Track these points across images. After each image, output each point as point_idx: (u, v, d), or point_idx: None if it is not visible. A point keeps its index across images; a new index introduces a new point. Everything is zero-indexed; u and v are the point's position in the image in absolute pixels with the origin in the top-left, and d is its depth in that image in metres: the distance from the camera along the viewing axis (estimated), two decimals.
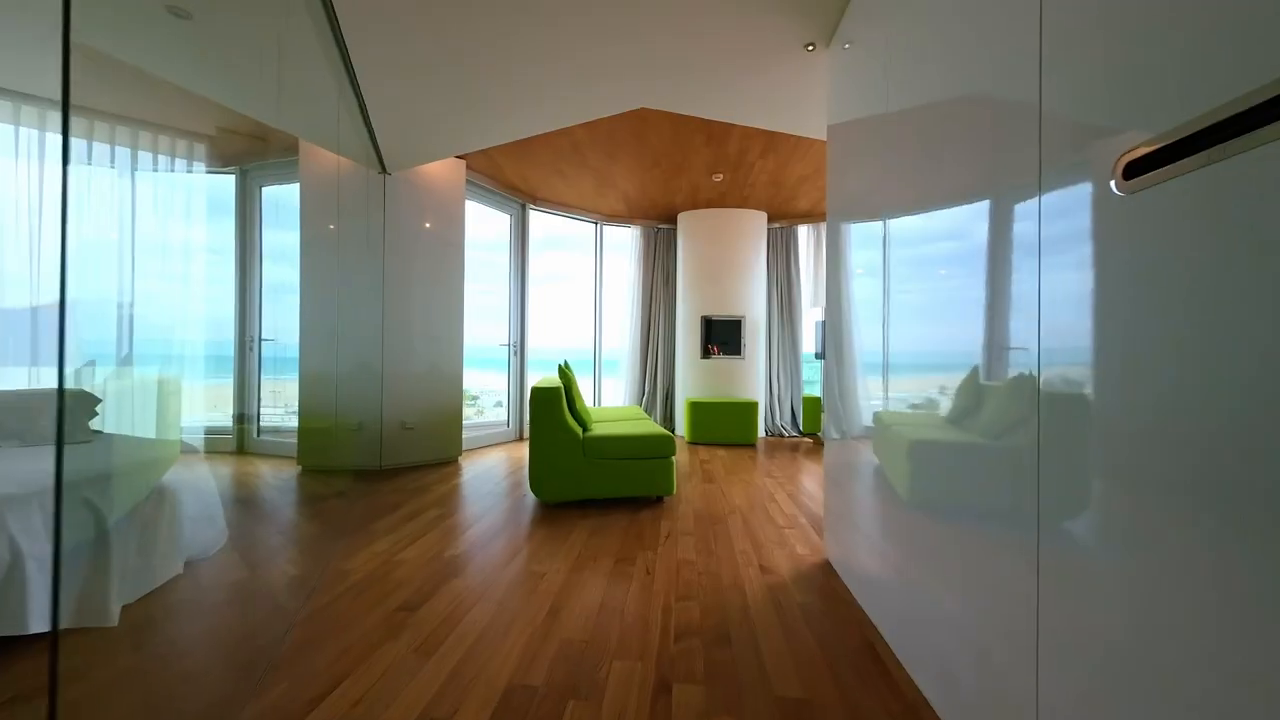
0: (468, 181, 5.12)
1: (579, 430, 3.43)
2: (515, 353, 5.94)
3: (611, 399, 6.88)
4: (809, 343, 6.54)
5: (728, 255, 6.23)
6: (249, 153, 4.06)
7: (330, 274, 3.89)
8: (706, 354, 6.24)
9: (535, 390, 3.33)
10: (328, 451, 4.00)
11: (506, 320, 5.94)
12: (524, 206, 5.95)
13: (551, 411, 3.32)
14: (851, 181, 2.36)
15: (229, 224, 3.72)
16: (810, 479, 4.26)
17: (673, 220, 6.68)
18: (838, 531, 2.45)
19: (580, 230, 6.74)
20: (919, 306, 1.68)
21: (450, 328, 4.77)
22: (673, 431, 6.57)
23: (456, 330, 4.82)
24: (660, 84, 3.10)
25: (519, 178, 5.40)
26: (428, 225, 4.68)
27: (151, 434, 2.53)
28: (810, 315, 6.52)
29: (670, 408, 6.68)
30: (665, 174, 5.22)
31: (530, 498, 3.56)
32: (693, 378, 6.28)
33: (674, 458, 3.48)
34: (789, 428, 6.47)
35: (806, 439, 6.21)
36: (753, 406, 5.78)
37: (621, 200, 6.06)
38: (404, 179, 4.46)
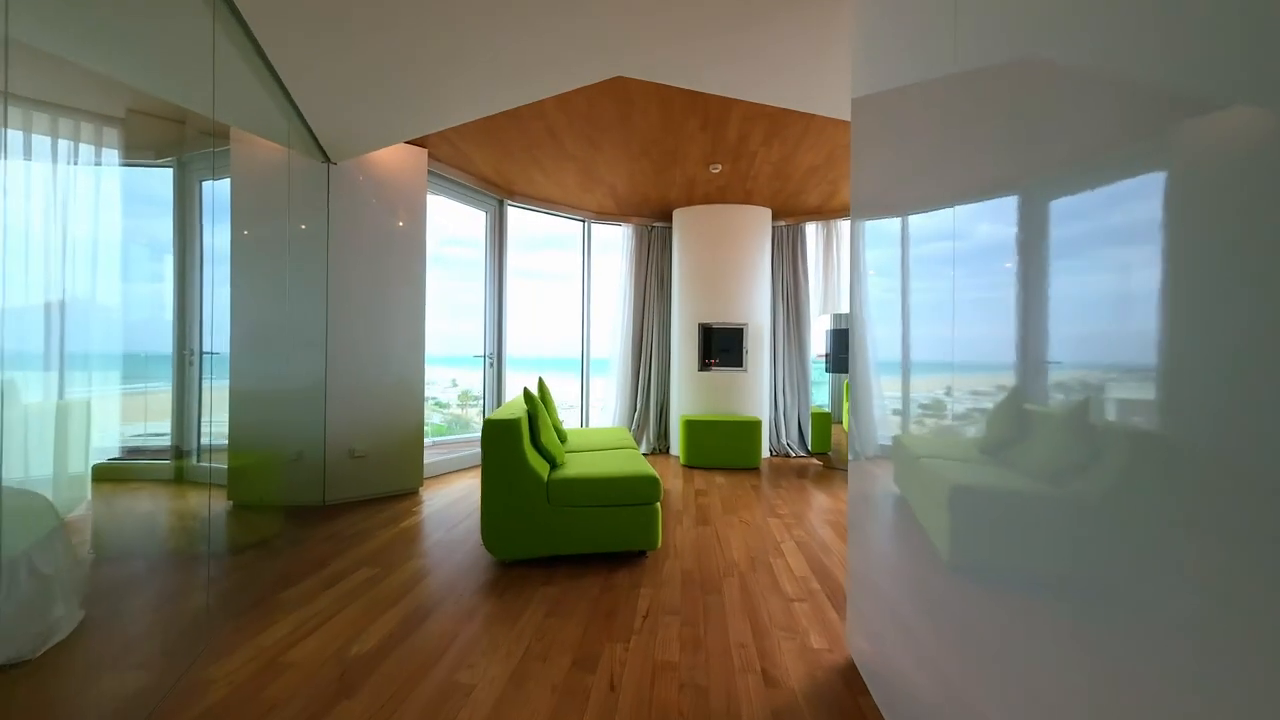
0: (434, 174, 4.53)
1: (543, 470, 2.83)
2: (492, 364, 5.35)
3: (600, 411, 6.28)
4: (819, 350, 5.92)
5: (728, 256, 5.62)
6: (177, 141, 3.50)
7: (265, 277, 3.31)
8: (705, 365, 5.63)
9: (489, 424, 2.73)
10: (260, 485, 3.43)
11: (482, 330, 5.35)
12: (501, 203, 5.36)
13: (508, 448, 2.72)
14: (888, 166, 1.76)
15: (164, 221, 3.17)
16: (823, 518, 3.64)
17: (667, 217, 6.08)
18: (864, 610, 1.85)
19: (568, 228, 6.15)
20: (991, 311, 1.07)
21: (409, 337, 4.18)
22: (667, 451, 5.96)
23: (416, 340, 4.22)
24: (638, 46, 2.49)
25: (492, 170, 4.80)
26: (401, 224, 4.10)
27: (46, 474, 1.97)
28: (819, 323, 5.90)
29: (664, 425, 6.07)
30: (656, 165, 4.62)
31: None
32: (689, 392, 5.67)
33: (659, 503, 2.88)
34: (796, 447, 5.85)
35: (815, 461, 5.59)
36: (755, 425, 5.17)
37: (609, 195, 5.45)
38: (353, 170, 3.87)
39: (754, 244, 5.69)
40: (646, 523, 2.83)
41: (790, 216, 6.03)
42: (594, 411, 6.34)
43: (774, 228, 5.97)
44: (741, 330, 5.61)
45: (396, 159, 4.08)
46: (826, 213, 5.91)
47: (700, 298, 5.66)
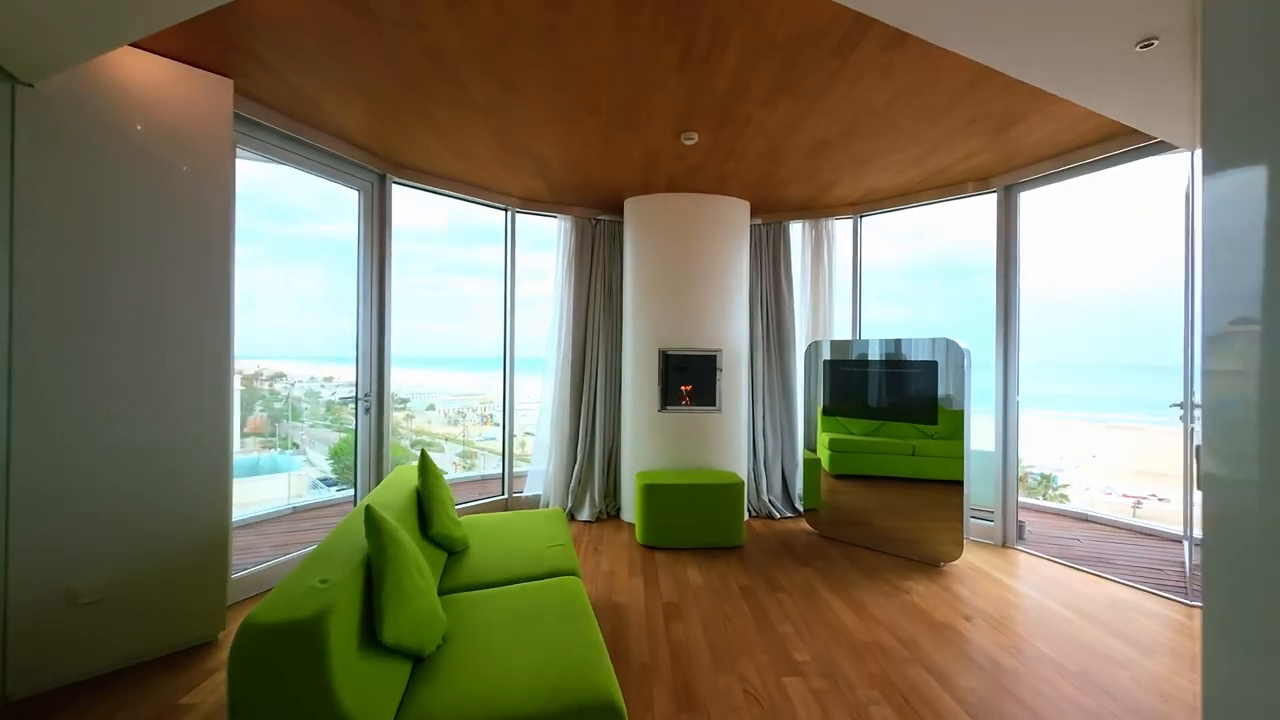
0: (264, 128, 2.91)
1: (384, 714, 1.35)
2: (368, 410, 3.74)
3: (528, 415, 4.79)
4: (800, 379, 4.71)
5: (697, 261, 4.30)
6: None
7: None
8: (668, 403, 4.28)
9: (245, 636, 1.22)
10: None
11: (354, 362, 3.73)
12: (382, 179, 3.76)
13: (296, 687, 1.23)
14: None
15: None
16: (862, 669, 2.37)
17: (617, 207, 4.67)
18: None
19: (487, 218, 4.62)
20: None
21: (198, 371, 2.54)
22: (617, 514, 4.56)
23: (216, 373, 2.58)
24: None
25: (359, 127, 3.21)
26: (187, 188, 2.46)
27: None
28: (810, 339, 4.69)
29: (613, 480, 4.66)
30: (606, 127, 3.20)
31: None
32: (646, 439, 4.30)
33: None
34: (780, 506, 4.61)
35: (806, 525, 4.35)
36: (737, 489, 3.87)
37: (538, 174, 3.98)
38: (75, 98, 2.20)
39: (730, 246, 4.40)
40: None
41: (770, 213, 4.78)
42: (523, 416, 4.85)
43: (751, 226, 4.71)
44: (714, 358, 4.30)
45: (173, 87, 2.43)
46: (817, 210, 4.70)
47: (661, 315, 4.30)
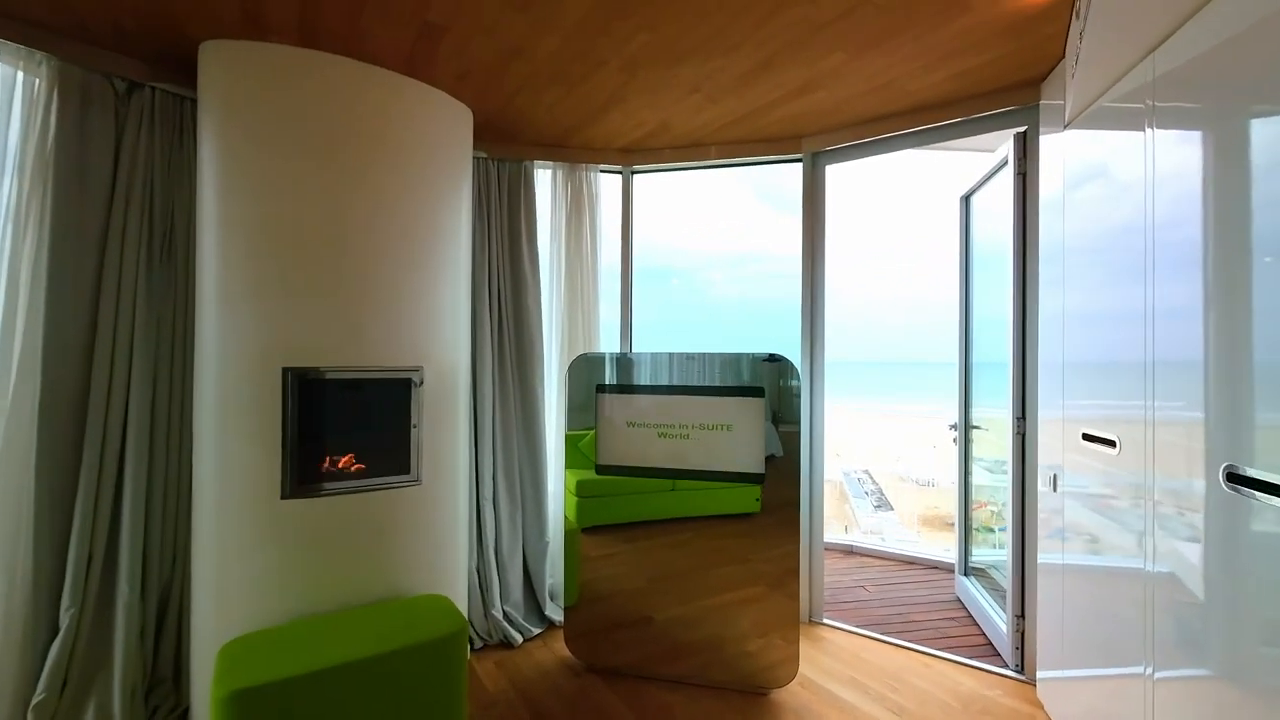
0: None
1: None
2: None
3: None
4: (564, 408, 3.11)
5: (375, 201, 2.20)
6: None
7: None
8: (305, 479, 2.08)
9: None
10: None
11: None
12: None
13: None
14: None
15: None
16: None
17: (184, 60, 2.17)
18: None
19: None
20: None
21: None
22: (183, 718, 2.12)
23: None
24: None
25: None
26: None
27: None
28: (566, 353, 3.10)
29: (168, 657, 2.18)
30: None
31: None
32: (250, 561, 2.02)
33: None
34: (523, 619, 2.88)
35: (565, 649, 2.73)
36: (454, 641, 1.99)
37: None
38: None
39: (442, 183, 2.44)
40: None
41: (506, 143, 3.01)
42: None
43: (477, 161, 2.85)
44: (408, 385, 2.30)
45: None
46: (574, 149, 3.14)
47: (291, 301, 2.07)
